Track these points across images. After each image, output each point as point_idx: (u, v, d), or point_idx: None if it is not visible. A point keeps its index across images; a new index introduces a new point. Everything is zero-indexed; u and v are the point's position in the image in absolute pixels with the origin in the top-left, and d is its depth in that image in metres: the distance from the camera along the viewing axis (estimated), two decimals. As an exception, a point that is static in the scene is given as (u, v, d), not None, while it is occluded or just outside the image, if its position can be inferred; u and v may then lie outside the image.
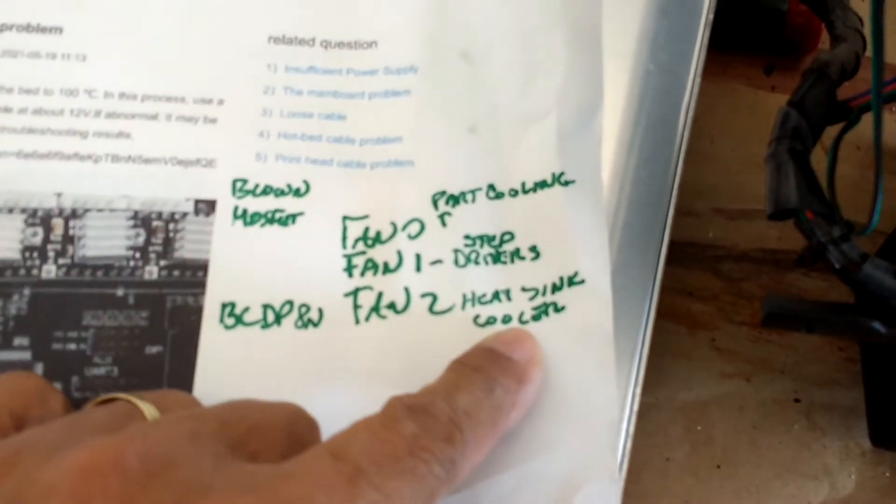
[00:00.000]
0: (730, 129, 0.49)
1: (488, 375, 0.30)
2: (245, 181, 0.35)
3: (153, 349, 0.33)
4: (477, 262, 0.34)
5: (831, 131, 0.37)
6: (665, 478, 0.41)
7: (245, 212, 0.34)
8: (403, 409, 0.27)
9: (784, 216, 0.34)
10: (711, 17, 0.39)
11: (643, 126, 0.37)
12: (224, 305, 0.33)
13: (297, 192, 0.35)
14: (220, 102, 0.36)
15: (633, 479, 0.36)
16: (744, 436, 0.42)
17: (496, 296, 0.34)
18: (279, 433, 0.27)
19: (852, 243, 0.32)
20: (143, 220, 0.34)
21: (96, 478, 0.22)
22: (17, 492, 0.22)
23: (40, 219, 0.34)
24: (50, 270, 0.33)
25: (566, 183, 0.35)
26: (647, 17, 0.39)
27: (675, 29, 0.39)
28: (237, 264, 0.34)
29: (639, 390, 0.34)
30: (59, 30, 0.36)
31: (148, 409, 0.28)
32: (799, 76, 0.37)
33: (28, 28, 0.36)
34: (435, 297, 0.34)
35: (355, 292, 0.34)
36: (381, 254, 0.34)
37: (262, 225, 0.34)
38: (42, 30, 0.36)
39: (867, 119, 0.33)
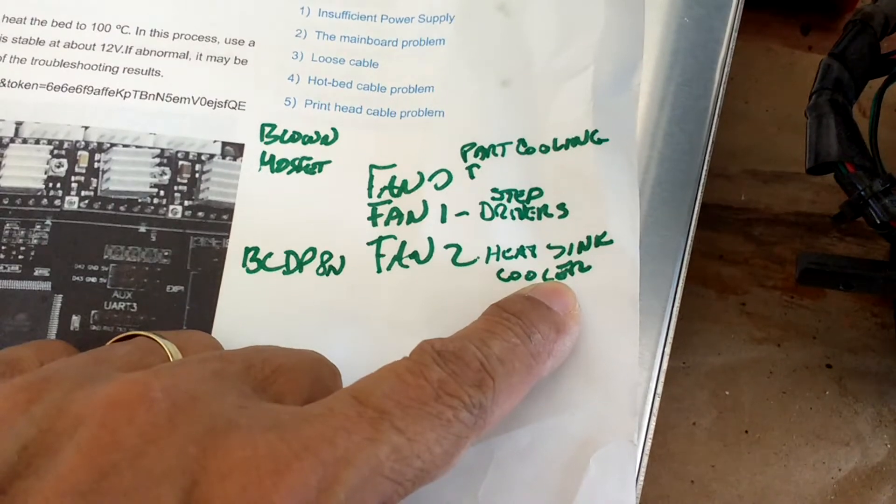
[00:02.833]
0: (765, 90, 0.48)
1: (528, 321, 0.29)
2: (273, 126, 0.35)
3: (174, 288, 0.33)
4: (503, 217, 0.34)
5: (872, 85, 0.37)
6: (691, 442, 0.40)
7: (273, 158, 0.34)
8: (432, 354, 0.26)
9: (824, 170, 0.33)
10: (749, -30, 0.38)
11: (677, 81, 0.36)
12: (247, 250, 0.33)
13: (325, 140, 0.34)
14: (252, 44, 0.36)
15: (659, 442, 0.36)
16: (773, 401, 0.41)
17: (521, 251, 0.33)
18: (303, 377, 0.27)
19: (894, 197, 0.32)
20: (168, 159, 0.34)
21: (123, 410, 0.22)
22: (47, 418, 0.23)
23: (66, 151, 0.34)
24: (73, 202, 0.33)
25: (599, 141, 0.34)
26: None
27: (711, -19, 0.38)
28: (262, 210, 0.34)
29: (667, 353, 0.33)
30: None
31: (168, 347, 0.28)
32: (836, 36, 0.36)
33: None
34: (459, 249, 0.33)
35: (379, 241, 0.33)
36: (406, 203, 0.34)
37: (289, 172, 0.34)
38: (77, -37, 0.36)
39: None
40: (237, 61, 0.35)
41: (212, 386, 0.24)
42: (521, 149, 0.34)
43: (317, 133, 0.35)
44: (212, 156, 0.34)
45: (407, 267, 0.33)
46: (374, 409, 0.24)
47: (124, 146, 0.34)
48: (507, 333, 0.29)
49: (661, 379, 0.33)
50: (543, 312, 0.30)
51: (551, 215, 0.34)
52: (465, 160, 0.34)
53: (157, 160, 0.34)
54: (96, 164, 0.34)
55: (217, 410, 0.23)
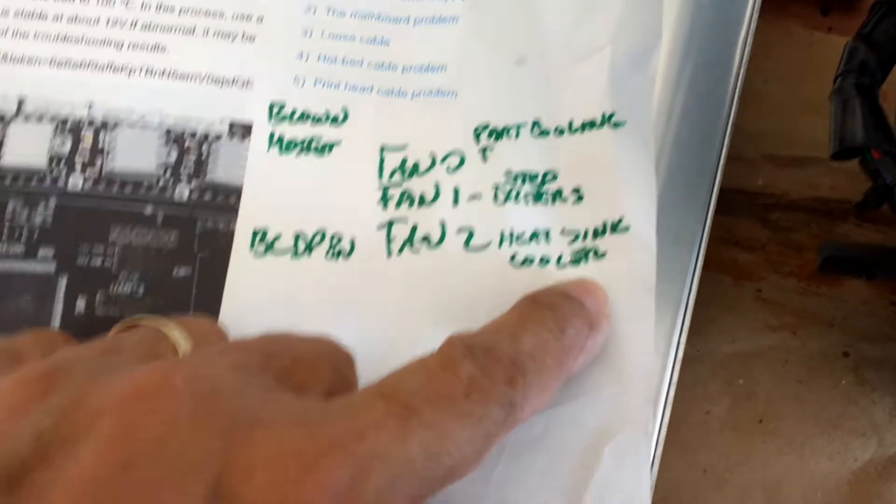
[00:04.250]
0: (784, 72, 0.47)
1: (562, 315, 0.29)
2: (283, 105, 0.34)
3: (181, 271, 0.32)
4: (517, 200, 0.33)
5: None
6: (705, 432, 0.40)
7: (281, 139, 0.33)
8: (463, 349, 0.26)
9: (849, 155, 0.33)
10: (770, -51, 0.37)
11: (694, 63, 0.35)
12: (255, 232, 0.32)
13: (334, 120, 0.34)
14: (260, 20, 0.35)
15: (673, 430, 0.35)
16: (788, 390, 0.41)
17: (534, 236, 0.32)
18: (324, 365, 0.26)
19: (921, 186, 0.31)
20: (175, 139, 0.33)
21: (144, 401, 0.22)
22: (65, 411, 0.22)
23: (70, 128, 0.33)
24: (77, 181, 0.32)
25: (616, 125, 0.33)
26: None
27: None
28: (271, 192, 0.33)
29: (683, 341, 0.33)
30: None
31: (176, 336, 0.27)
32: (857, 17, 0.35)
33: None
34: (471, 233, 0.32)
35: (389, 224, 0.33)
36: (418, 185, 0.33)
37: (298, 154, 0.33)
38: (82, -65, 0.35)
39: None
40: (245, 38, 0.35)
41: (233, 378, 0.24)
42: (536, 131, 0.34)
43: (327, 113, 0.34)
44: (219, 136, 0.33)
45: (418, 251, 0.32)
46: (402, 406, 0.23)
47: (129, 125, 0.33)
48: (540, 328, 0.28)
49: (677, 367, 0.32)
50: (577, 308, 0.30)
51: (566, 200, 0.33)
52: (479, 142, 0.34)
53: (164, 139, 0.33)
54: (100, 144, 0.33)
55: (240, 404, 0.23)
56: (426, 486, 0.23)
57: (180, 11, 0.34)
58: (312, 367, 0.26)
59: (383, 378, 0.25)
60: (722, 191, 0.34)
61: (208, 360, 0.25)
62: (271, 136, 0.34)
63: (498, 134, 0.34)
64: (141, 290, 0.32)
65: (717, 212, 0.35)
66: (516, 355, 0.26)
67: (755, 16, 0.36)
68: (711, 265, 0.42)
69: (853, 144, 0.31)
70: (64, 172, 0.32)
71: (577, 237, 0.32)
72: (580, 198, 0.33)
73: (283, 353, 0.26)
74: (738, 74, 0.36)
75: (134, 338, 0.27)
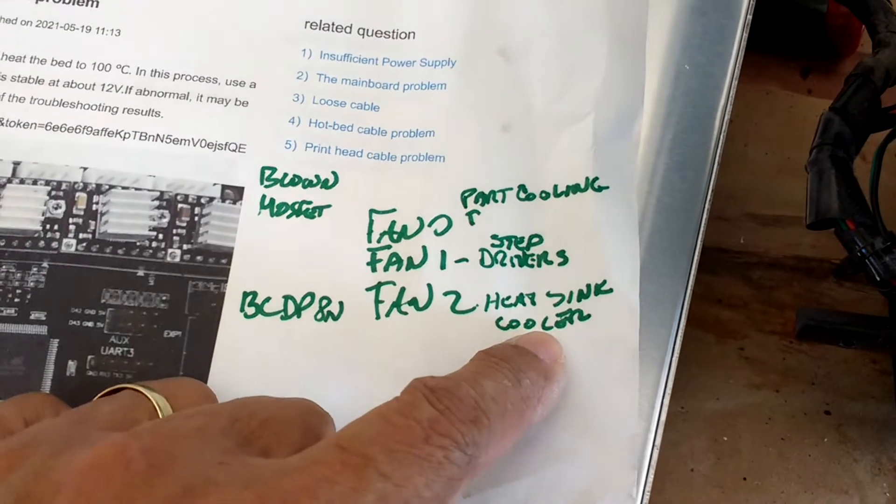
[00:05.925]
0: (764, 133, 0.48)
1: (516, 367, 0.29)
2: (274, 169, 0.34)
3: (172, 333, 0.32)
4: (503, 264, 0.33)
5: (873, 138, 0.36)
6: (689, 489, 0.40)
7: (272, 201, 0.34)
8: (424, 391, 0.26)
9: (825, 226, 0.33)
10: (750, 17, 0.38)
11: (676, 128, 0.36)
12: (245, 294, 0.33)
13: (325, 184, 0.34)
14: (253, 85, 0.35)
15: (657, 489, 0.36)
16: (772, 448, 0.41)
17: (520, 299, 0.33)
18: (292, 428, 0.27)
19: (895, 256, 0.32)
20: (168, 202, 0.34)
21: (101, 474, 0.22)
22: (26, 486, 0.22)
23: (64, 192, 0.33)
24: (70, 244, 0.33)
25: (600, 189, 0.34)
26: (682, 16, 0.38)
27: (711, 29, 0.38)
28: (261, 254, 0.33)
29: (667, 400, 0.33)
30: (95, 3, 0.36)
31: (157, 400, 0.28)
32: (836, 79, 0.36)
33: (65, 0, 0.36)
34: (458, 296, 0.33)
35: (378, 287, 0.33)
36: (406, 249, 0.34)
37: (289, 216, 0.34)
38: (79, 2, 0.36)
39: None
40: (238, 103, 0.35)
41: (193, 444, 0.24)
42: (522, 195, 0.34)
43: (317, 176, 0.35)
44: (211, 199, 0.34)
45: (406, 314, 0.33)
46: (358, 456, 0.23)
47: (123, 188, 0.34)
48: (499, 376, 0.28)
49: (661, 430, 0.33)
50: (531, 359, 0.30)
51: (551, 263, 0.33)
52: (466, 206, 0.34)
53: (157, 203, 0.34)
54: (94, 206, 0.33)
55: (197, 469, 0.23)
56: None
57: (175, 77, 0.35)
58: (281, 430, 0.26)
59: (344, 427, 0.25)
60: (704, 249, 0.35)
61: (172, 425, 0.25)
62: (262, 198, 0.34)
63: (485, 198, 0.34)
64: (132, 352, 0.32)
65: (700, 270, 0.35)
66: (479, 397, 0.26)
67: (734, 83, 0.37)
68: (695, 323, 0.43)
69: (828, 216, 0.32)
70: (58, 235, 0.33)
71: (562, 299, 0.33)
72: (565, 260, 0.33)
73: (251, 416, 0.26)
74: (718, 139, 0.36)
75: (111, 405, 0.28)
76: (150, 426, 0.25)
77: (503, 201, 0.34)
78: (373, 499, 0.22)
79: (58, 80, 0.35)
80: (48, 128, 0.34)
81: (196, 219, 0.34)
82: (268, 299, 0.33)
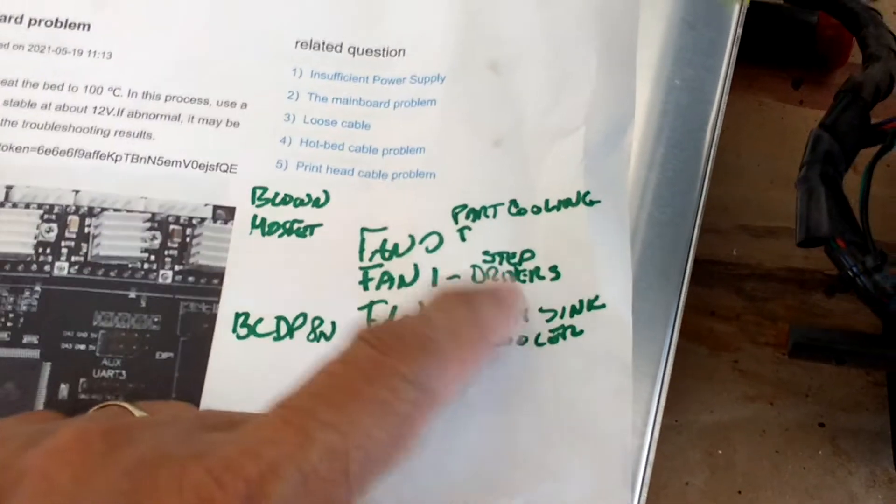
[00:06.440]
0: (756, 144, 0.48)
1: (470, 297, 0.29)
2: (265, 189, 0.34)
3: (164, 355, 0.32)
4: (495, 280, 0.33)
5: (864, 152, 0.37)
6: (684, 503, 0.40)
7: (264, 221, 0.34)
8: (363, 335, 0.25)
9: (815, 244, 0.33)
10: (740, 31, 0.38)
11: (667, 143, 0.36)
12: (238, 315, 0.33)
13: (316, 203, 0.34)
14: (244, 106, 0.36)
15: (651, 502, 0.36)
16: (766, 461, 0.41)
17: (513, 315, 0.33)
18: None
19: (885, 273, 0.32)
20: (159, 223, 0.34)
21: (62, 455, 0.23)
22: None
23: (56, 215, 0.34)
24: (62, 267, 0.33)
25: (591, 203, 0.34)
26: (673, 30, 0.38)
27: (702, 43, 0.38)
28: (253, 274, 0.34)
29: (660, 415, 0.33)
30: (86, 26, 0.36)
31: (139, 414, 0.28)
32: (828, 90, 0.36)
33: (56, 23, 0.36)
34: (450, 314, 0.33)
35: (370, 306, 0.33)
36: (397, 267, 0.34)
37: (280, 235, 0.34)
38: (70, 25, 0.36)
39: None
40: (229, 124, 0.35)
41: (156, 429, 0.25)
42: (513, 210, 0.34)
43: (308, 195, 0.35)
44: (203, 219, 0.34)
45: (398, 332, 0.33)
46: (299, 411, 0.23)
47: (115, 210, 0.34)
48: (448, 304, 0.28)
49: (654, 445, 0.33)
50: (485, 289, 0.31)
51: (543, 278, 0.34)
52: (457, 222, 0.34)
53: (148, 224, 0.34)
54: (87, 229, 0.33)
55: (153, 445, 0.23)
56: (342, 488, 0.23)
57: (166, 98, 0.35)
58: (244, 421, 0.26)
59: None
60: (697, 261, 0.35)
61: (139, 418, 0.26)
62: (254, 218, 0.34)
63: (476, 214, 0.34)
64: (124, 375, 0.32)
65: (693, 282, 0.35)
66: (425, 326, 0.26)
67: (725, 98, 0.37)
68: (689, 335, 0.43)
69: (818, 234, 0.32)
70: (50, 259, 0.33)
71: (554, 315, 0.33)
72: (557, 276, 0.33)
73: (219, 416, 0.27)
74: (709, 154, 0.36)
75: (95, 413, 0.28)
76: (113, 415, 0.26)
77: (494, 216, 0.34)
78: (320, 450, 0.22)
79: (50, 104, 0.35)
80: (40, 151, 0.34)
81: (188, 240, 0.34)
82: (260, 320, 0.33)
